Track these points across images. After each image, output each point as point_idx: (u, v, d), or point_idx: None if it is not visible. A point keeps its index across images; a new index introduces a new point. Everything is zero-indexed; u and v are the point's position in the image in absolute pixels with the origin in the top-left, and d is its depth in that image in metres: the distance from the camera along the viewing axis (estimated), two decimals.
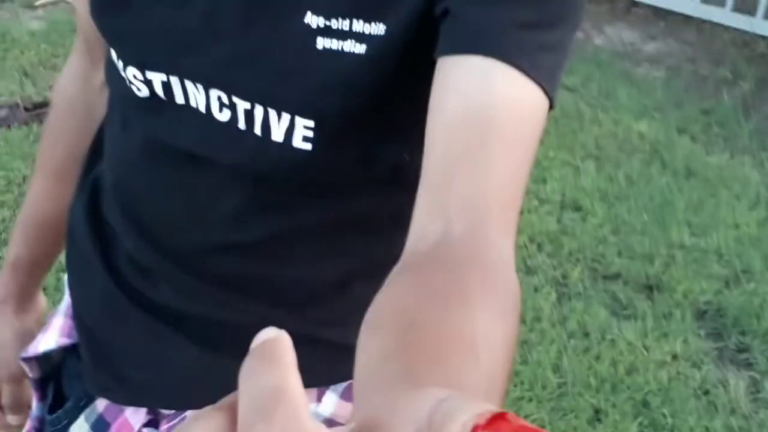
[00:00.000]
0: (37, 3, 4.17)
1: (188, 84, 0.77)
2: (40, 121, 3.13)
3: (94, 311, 0.95)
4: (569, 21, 0.68)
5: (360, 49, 0.70)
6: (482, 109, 0.63)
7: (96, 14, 0.81)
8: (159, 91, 0.78)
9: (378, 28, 0.70)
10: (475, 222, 0.60)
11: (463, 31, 0.65)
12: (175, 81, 0.77)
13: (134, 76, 0.79)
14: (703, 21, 4.26)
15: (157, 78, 0.78)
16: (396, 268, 0.59)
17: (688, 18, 4.30)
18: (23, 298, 1.09)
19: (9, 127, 3.12)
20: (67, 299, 1.02)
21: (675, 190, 3.18)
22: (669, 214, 3.04)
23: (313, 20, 0.71)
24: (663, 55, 4.21)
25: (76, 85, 1.02)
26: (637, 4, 4.43)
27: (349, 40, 0.70)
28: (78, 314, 0.98)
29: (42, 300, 1.11)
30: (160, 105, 0.79)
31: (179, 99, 0.78)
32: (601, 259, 2.80)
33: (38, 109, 3.17)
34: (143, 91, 0.79)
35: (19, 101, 3.19)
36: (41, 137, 1.06)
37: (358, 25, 0.70)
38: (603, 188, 3.16)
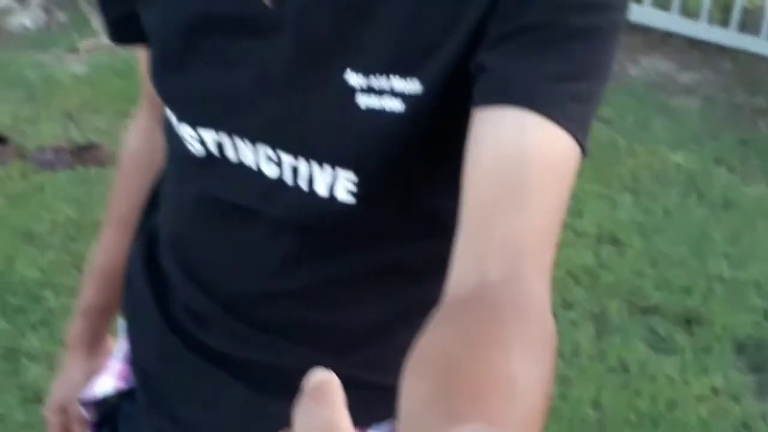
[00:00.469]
0: (80, 47, 4.27)
1: (237, 140, 0.82)
2: (85, 164, 3.20)
3: (149, 355, 1.01)
4: (598, 72, 0.71)
5: (398, 107, 0.75)
6: (516, 158, 0.66)
7: (153, 76, 0.87)
8: (212, 148, 0.84)
9: (414, 85, 0.74)
10: (511, 267, 0.63)
11: (496, 83, 0.69)
12: (225, 138, 0.83)
13: (189, 134, 0.84)
14: (739, 51, 4.25)
15: (208, 135, 0.83)
16: (436, 313, 0.61)
17: (723, 48, 4.29)
18: (93, 342, 1.16)
19: (54, 170, 3.20)
20: (123, 344, 1.07)
21: (713, 222, 3.17)
22: (707, 245, 3.03)
23: (353, 78, 0.75)
24: (699, 86, 4.20)
25: (140, 140, 1.09)
26: (671, 35, 4.43)
27: (387, 98, 0.75)
28: (134, 358, 1.04)
29: (110, 343, 1.16)
30: (214, 162, 0.85)
31: (231, 157, 0.84)
32: (639, 292, 2.79)
33: (82, 152, 3.24)
34: (198, 149, 0.85)
35: (64, 145, 3.27)
36: (112, 190, 1.12)
37: (396, 82, 0.74)
38: (640, 220, 3.16)
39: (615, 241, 3.04)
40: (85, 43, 4.27)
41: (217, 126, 0.82)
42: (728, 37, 4.26)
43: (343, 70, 0.75)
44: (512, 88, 0.68)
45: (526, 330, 0.58)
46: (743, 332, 2.66)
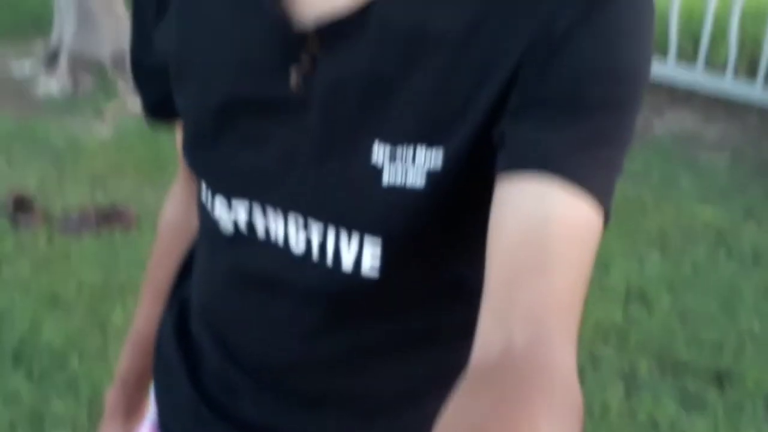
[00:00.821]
0: (105, 112, 4.34)
1: (269, 210, 0.84)
2: (110, 228, 3.23)
3: (179, 421, 1.02)
4: (620, 139, 0.71)
5: (420, 183, 0.76)
6: (540, 224, 0.66)
7: (186, 151, 0.89)
8: (242, 227, 0.86)
9: (437, 158, 0.75)
10: (537, 334, 0.63)
11: (519, 150, 0.70)
12: (257, 209, 0.84)
13: (221, 214, 0.86)
14: (765, 106, 4.23)
15: (241, 208, 0.85)
16: (462, 381, 0.61)
17: (749, 103, 4.28)
18: (132, 408, 1.17)
19: (80, 234, 3.22)
20: (153, 409, 1.09)
21: (742, 277, 3.13)
22: (737, 301, 2.99)
23: (380, 149, 0.76)
24: (725, 141, 4.19)
25: (177, 211, 1.11)
26: (696, 91, 4.44)
27: (410, 174, 0.76)
28: (164, 424, 1.05)
29: (149, 407, 1.17)
30: (244, 241, 0.87)
31: (261, 234, 0.85)
32: (669, 349, 2.75)
33: (108, 216, 3.27)
34: (229, 229, 0.87)
35: (90, 209, 3.29)
36: (150, 259, 1.15)
37: (420, 153, 0.75)
38: (668, 277, 3.12)
39: (643, 297, 3.01)
40: (110, 109, 4.34)
41: (249, 196, 0.84)
42: (754, 92, 4.25)
43: (370, 142, 0.77)
44: (534, 154, 0.68)
45: (552, 398, 0.58)
46: None
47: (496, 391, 0.58)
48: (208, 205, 0.88)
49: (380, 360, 0.91)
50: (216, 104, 0.83)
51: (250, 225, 0.86)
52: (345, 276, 0.82)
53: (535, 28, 0.70)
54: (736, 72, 4.30)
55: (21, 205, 3.32)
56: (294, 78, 0.78)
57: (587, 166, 0.68)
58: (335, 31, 0.76)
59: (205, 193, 0.88)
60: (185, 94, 0.87)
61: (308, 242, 0.83)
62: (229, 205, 0.85)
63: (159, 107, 0.96)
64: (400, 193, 0.76)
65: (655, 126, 4.30)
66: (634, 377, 2.64)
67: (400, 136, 0.76)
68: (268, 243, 0.85)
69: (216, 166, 0.86)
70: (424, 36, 0.74)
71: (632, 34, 0.72)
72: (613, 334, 2.81)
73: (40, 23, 5.41)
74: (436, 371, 0.91)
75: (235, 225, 0.87)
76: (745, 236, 3.39)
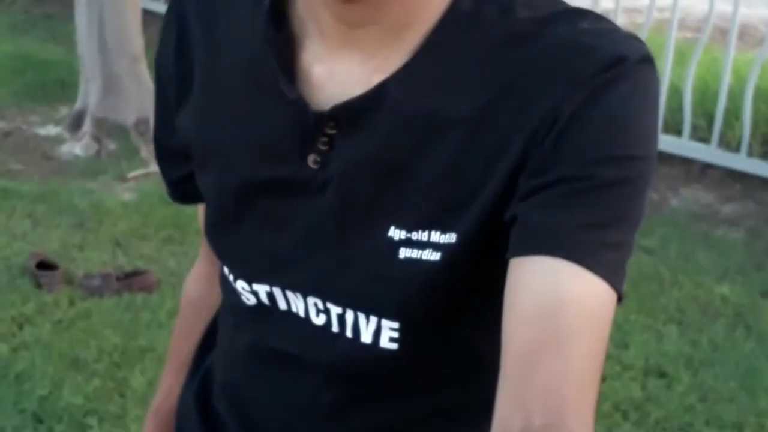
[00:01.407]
0: (129, 175, 4.38)
1: (289, 293, 0.85)
2: (132, 291, 3.24)
3: None
4: (628, 221, 0.73)
5: (435, 256, 0.77)
6: (553, 305, 0.69)
7: (210, 235, 0.91)
8: (264, 299, 0.87)
9: (450, 237, 0.77)
10: (554, 413, 0.65)
11: (530, 233, 0.72)
12: (277, 291, 0.86)
13: (243, 288, 0.87)
14: None
15: (262, 289, 0.86)
16: None
17: (764, 179, 4.31)
18: None
19: (101, 296, 3.24)
20: None
21: (762, 356, 3.12)
22: (757, 380, 2.97)
23: (395, 233, 0.78)
24: (741, 217, 4.20)
25: (200, 286, 1.12)
26: (711, 166, 4.47)
27: (427, 249, 0.77)
28: None
29: None
30: (266, 312, 0.88)
31: (282, 306, 0.87)
32: (689, 428, 2.73)
33: (129, 279, 3.28)
34: (251, 300, 0.88)
35: (112, 271, 3.31)
36: (173, 335, 1.16)
37: (435, 236, 0.77)
38: (687, 353, 3.11)
39: (662, 374, 2.99)
40: (133, 172, 4.38)
41: (269, 281, 0.86)
42: None
43: (386, 227, 0.79)
44: (546, 238, 0.71)
45: None
46: None
47: None
48: (231, 281, 0.90)
49: None
50: (236, 186, 0.85)
51: (272, 302, 0.87)
52: (364, 347, 0.82)
53: (543, 112, 0.73)
54: (750, 150, 4.33)
55: (44, 267, 3.34)
56: (311, 159, 0.80)
57: (599, 250, 0.70)
58: (350, 113, 0.78)
59: (228, 275, 0.90)
60: (207, 176, 0.89)
61: (328, 318, 0.84)
62: (250, 288, 0.87)
63: (182, 188, 0.97)
64: (416, 265, 0.77)
65: (671, 201, 4.33)
66: None
67: (414, 223, 0.78)
68: (288, 315, 0.86)
69: (236, 251, 0.88)
70: (436, 121, 0.76)
71: (637, 114, 0.74)
72: (632, 410, 2.79)
73: (66, 88, 5.49)
74: None
75: (258, 300, 0.88)
76: (764, 314, 3.38)
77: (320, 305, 0.84)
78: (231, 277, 0.89)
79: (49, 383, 2.75)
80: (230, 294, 0.92)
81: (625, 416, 2.77)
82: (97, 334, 3.02)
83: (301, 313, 0.85)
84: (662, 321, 3.30)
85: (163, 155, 0.97)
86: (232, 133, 0.85)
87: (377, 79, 0.77)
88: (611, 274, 0.70)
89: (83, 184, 4.27)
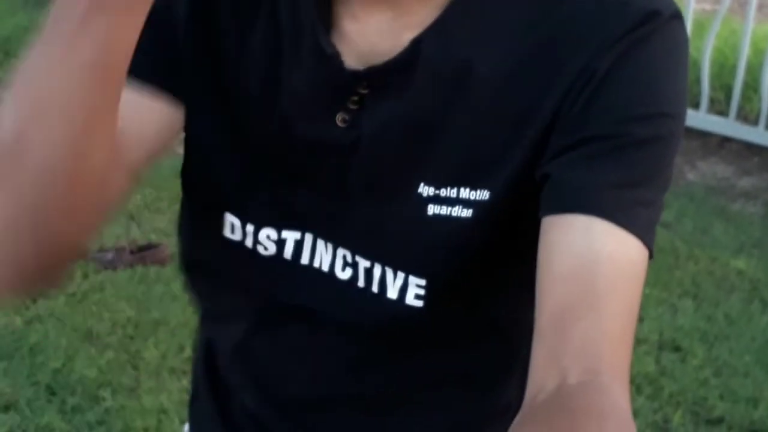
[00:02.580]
0: None
1: (319, 243, 0.84)
2: (145, 264, 3.25)
3: None
4: (659, 180, 0.74)
5: (467, 213, 0.77)
6: (588, 263, 0.68)
7: (226, 186, 0.86)
8: (289, 250, 0.85)
9: (483, 194, 0.77)
10: (590, 371, 0.65)
11: (564, 192, 0.72)
12: (308, 240, 0.84)
13: (267, 236, 0.85)
14: None
15: (291, 237, 0.84)
16: (517, 419, 0.63)
17: None
18: None
19: (115, 269, 3.25)
20: None
21: None
22: None
23: (425, 190, 0.78)
24: (759, 191, 4.17)
25: None
26: (729, 140, 4.43)
27: (457, 206, 0.78)
28: None
29: None
30: (283, 265, 0.85)
31: (304, 260, 0.85)
32: (703, 402, 2.72)
33: (143, 252, 3.29)
34: (269, 250, 0.85)
35: (125, 244, 3.32)
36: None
37: (465, 192, 0.77)
38: (702, 328, 3.10)
39: (677, 348, 2.98)
40: None
41: (302, 228, 0.84)
42: None
43: (416, 184, 0.78)
44: (580, 196, 0.71)
45: None
46: None
47: (550, 428, 0.60)
48: (246, 230, 0.86)
49: (419, 399, 0.91)
50: (263, 138, 0.83)
51: (296, 254, 0.85)
52: (390, 303, 0.82)
53: (577, 70, 0.73)
54: None
55: None
56: (340, 118, 0.80)
57: (631, 207, 0.71)
58: (384, 72, 0.77)
59: (240, 226, 0.86)
60: (221, 122, 0.85)
61: (355, 271, 0.83)
62: (278, 236, 0.85)
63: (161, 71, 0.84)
64: (445, 222, 0.78)
65: (688, 175, 4.29)
66: (667, 430, 2.62)
67: (444, 180, 0.77)
68: (309, 269, 0.85)
69: (265, 199, 0.85)
70: (468, 78, 0.76)
71: (669, 72, 0.74)
72: (646, 384, 2.79)
73: None
74: (474, 414, 0.93)
75: (277, 252, 0.85)
76: None
77: (349, 258, 0.83)
78: (251, 227, 0.85)
79: (63, 356, 2.77)
80: (236, 248, 0.88)
81: (639, 390, 2.76)
82: (110, 306, 3.04)
83: (325, 268, 0.84)
84: (677, 295, 3.29)
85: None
86: (262, 87, 0.82)
87: (407, 35, 0.76)
88: (644, 231, 0.71)
89: None
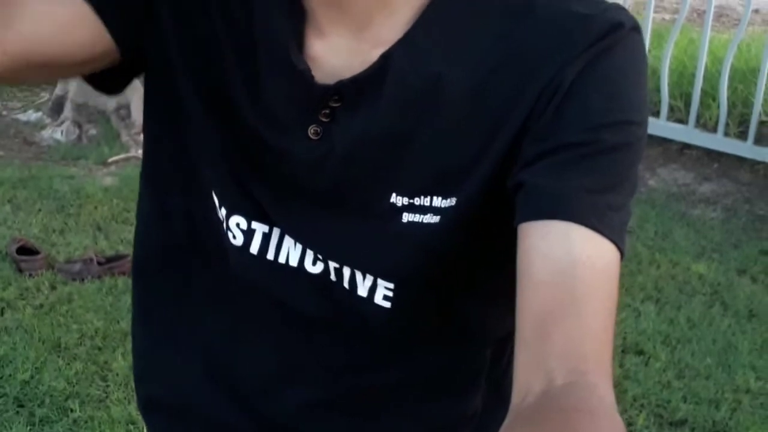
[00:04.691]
0: (109, 160, 4.38)
1: (287, 239, 0.85)
2: (113, 275, 3.25)
3: None
4: (627, 184, 0.77)
5: (435, 219, 0.79)
6: (567, 268, 0.71)
7: (206, 164, 0.88)
8: (256, 242, 0.86)
9: (451, 202, 0.79)
10: (575, 372, 0.67)
11: (540, 199, 0.74)
12: (275, 235, 0.86)
13: (237, 224, 0.86)
14: (757, 162, 4.30)
15: (260, 229, 0.86)
16: (507, 423, 0.65)
17: (741, 159, 4.34)
18: None
19: (83, 281, 3.24)
20: None
21: (738, 333, 3.16)
22: (733, 357, 3.02)
23: (398, 200, 0.80)
24: (718, 196, 4.24)
25: None
26: (689, 147, 4.50)
27: (429, 214, 0.80)
28: None
29: None
30: (251, 258, 0.87)
31: (270, 255, 0.86)
32: (667, 404, 2.77)
33: (111, 263, 3.29)
34: (237, 240, 0.87)
35: (93, 255, 3.32)
36: None
37: (437, 201, 0.79)
38: (664, 331, 3.15)
39: (640, 352, 3.03)
40: (114, 157, 4.38)
41: (270, 223, 0.86)
42: (745, 149, 4.32)
43: (388, 195, 0.80)
44: (556, 203, 0.73)
45: (597, 428, 0.61)
46: None
47: (542, 428, 0.61)
48: (219, 213, 0.87)
49: (389, 406, 0.93)
50: (237, 138, 0.84)
51: (263, 248, 0.86)
52: (359, 300, 0.84)
53: (545, 80, 0.75)
54: (727, 130, 4.37)
55: (25, 252, 3.34)
56: (311, 131, 0.81)
57: (605, 212, 0.73)
58: (354, 86, 0.79)
59: (218, 202, 0.87)
60: (205, 118, 0.86)
61: (326, 267, 0.85)
62: (248, 226, 0.86)
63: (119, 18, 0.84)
64: (416, 228, 0.79)
65: (649, 182, 4.36)
66: None
67: (416, 190, 0.79)
68: (275, 264, 0.86)
69: (237, 189, 0.86)
70: (439, 90, 0.78)
71: (632, 81, 0.77)
72: None
73: None
74: (442, 421, 0.94)
75: (244, 243, 0.86)
76: (740, 292, 3.43)
77: (320, 260, 0.85)
78: (223, 211, 0.87)
79: (31, 367, 2.76)
80: (207, 228, 0.89)
81: None
82: (78, 318, 3.03)
83: (294, 263, 0.86)
84: (640, 299, 3.34)
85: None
86: (239, 91, 0.84)
87: (375, 51, 0.78)
88: (617, 235, 0.73)
89: (64, 169, 4.26)
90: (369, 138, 0.80)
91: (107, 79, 0.89)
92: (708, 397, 2.80)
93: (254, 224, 0.86)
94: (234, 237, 0.87)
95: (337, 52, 0.81)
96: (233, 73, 0.84)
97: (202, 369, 0.97)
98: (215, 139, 0.86)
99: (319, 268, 0.85)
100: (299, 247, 0.85)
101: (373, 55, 0.78)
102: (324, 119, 0.81)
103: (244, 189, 0.86)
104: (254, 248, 0.86)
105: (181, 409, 1.00)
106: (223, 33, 0.84)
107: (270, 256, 0.86)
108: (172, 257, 0.95)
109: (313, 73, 0.80)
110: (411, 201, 0.80)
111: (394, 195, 0.80)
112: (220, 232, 0.88)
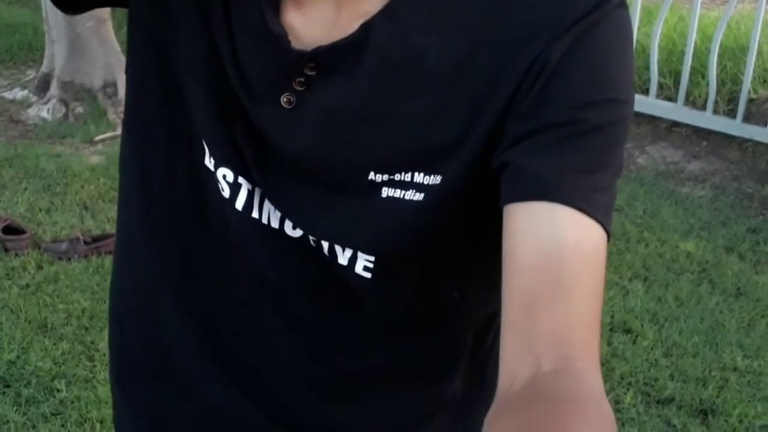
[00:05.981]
0: (96, 138, 4.35)
1: (267, 204, 0.83)
2: (99, 254, 3.23)
3: None
4: (614, 164, 0.75)
5: (418, 197, 0.77)
6: (553, 250, 0.69)
7: (196, 113, 0.85)
8: (241, 199, 0.84)
9: (435, 179, 0.77)
10: (562, 357, 0.66)
11: (525, 180, 0.72)
12: (257, 195, 0.83)
13: (223, 176, 0.84)
14: (746, 140, 4.30)
15: (245, 186, 0.84)
16: (493, 410, 0.64)
17: (729, 137, 4.35)
18: None
19: (69, 260, 3.23)
20: None
21: (726, 311, 3.17)
22: (720, 335, 3.03)
23: (377, 177, 0.78)
24: (707, 174, 4.25)
25: None
26: (678, 124, 4.50)
27: (410, 190, 0.78)
28: None
29: None
30: (236, 214, 0.85)
31: (254, 213, 0.84)
32: (654, 383, 2.78)
33: (97, 242, 3.28)
34: (225, 192, 0.85)
35: (79, 235, 3.30)
36: None
37: (419, 177, 0.77)
38: (652, 309, 3.16)
39: (627, 330, 3.04)
40: (101, 135, 4.35)
41: (252, 182, 0.83)
42: (734, 127, 4.32)
43: (367, 170, 0.78)
44: (541, 183, 0.72)
45: (584, 417, 0.60)
46: (759, 423, 2.63)
47: (529, 416, 0.60)
48: (211, 170, 0.85)
49: (368, 388, 0.92)
50: (218, 100, 0.82)
51: (247, 206, 0.84)
52: (340, 267, 0.82)
53: (530, 58, 0.73)
54: (716, 107, 4.37)
55: (11, 231, 3.32)
56: (285, 99, 0.79)
57: (591, 193, 0.72)
58: (333, 55, 0.77)
59: (209, 153, 0.85)
60: (186, 75, 0.84)
61: (305, 234, 0.83)
62: (234, 179, 0.84)
63: None
64: (397, 203, 0.78)
65: (638, 160, 4.36)
66: (618, 410, 2.67)
67: (396, 165, 0.78)
68: (258, 223, 0.84)
69: (223, 140, 0.84)
70: (421, 64, 0.76)
71: (618, 59, 0.75)
72: None
73: (32, 51, 5.44)
74: (422, 405, 0.93)
75: (233, 196, 0.84)
76: (728, 270, 3.43)
77: (299, 229, 0.83)
78: (211, 162, 0.85)
79: (17, 347, 2.76)
80: (191, 181, 0.87)
81: None
82: (65, 297, 3.02)
83: (275, 225, 0.84)
84: (628, 277, 3.35)
85: None
86: (215, 57, 0.82)
87: (356, 22, 0.76)
88: (603, 216, 0.72)
89: (50, 148, 4.24)
90: (345, 109, 0.78)
91: None
92: (695, 376, 2.81)
93: (240, 179, 0.84)
94: (222, 189, 0.85)
95: (316, 23, 0.79)
96: (219, 28, 0.82)
97: (179, 332, 0.94)
98: (203, 90, 0.83)
99: (299, 232, 0.83)
100: (278, 214, 0.84)
101: (354, 26, 0.76)
102: (298, 87, 0.79)
103: (232, 142, 0.83)
104: (239, 203, 0.84)
105: (154, 373, 0.98)
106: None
107: (254, 214, 0.84)
108: (151, 211, 0.92)
109: (290, 39, 0.78)
110: (391, 177, 0.78)
111: (372, 171, 0.78)
112: (205, 184, 0.86)
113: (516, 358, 0.67)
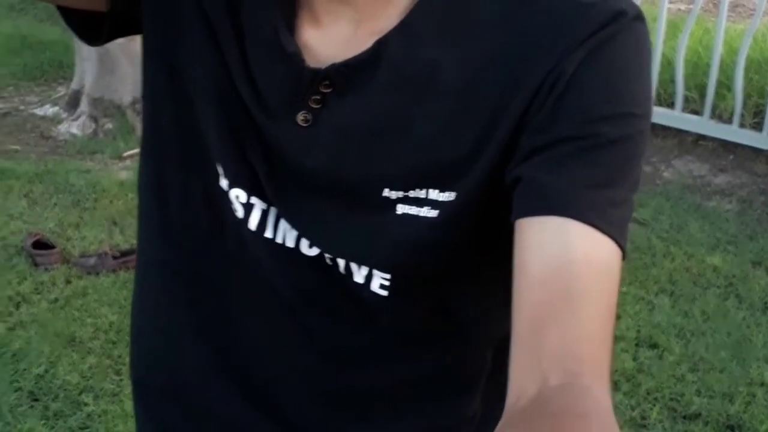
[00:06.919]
0: (125, 154, 4.40)
1: (282, 223, 0.83)
2: (127, 269, 3.27)
3: None
4: (629, 179, 0.74)
5: (433, 213, 0.77)
6: (564, 266, 0.69)
7: (218, 140, 0.86)
8: (254, 220, 0.84)
9: (450, 196, 0.77)
10: (570, 373, 0.65)
11: (536, 194, 0.72)
12: (272, 215, 0.84)
13: (237, 197, 0.85)
14: None
15: (258, 205, 0.84)
16: (500, 425, 0.63)
17: (756, 150, 4.32)
18: None
19: (97, 274, 3.26)
20: None
21: (753, 325, 3.15)
22: (747, 350, 3.00)
23: (391, 194, 0.78)
24: (734, 188, 4.22)
25: None
26: (704, 138, 4.47)
27: (425, 207, 0.78)
28: None
29: None
30: (249, 234, 0.85)
31: (268, 233, 0.85)
32: (680, 398, 2.76)
33: (125, 257, 3.31)
34: (239, 213, 0.85)
35: (108, 250, 3.34)
36: None
37: (434, 194, 0.77)
38: (679, 324, 3.14)
39: (654, 345, 3.02)
40: (129, 151, 4.40)
41: (268, 202, 0.84)
42: (760, 140, 4.29)
43: (380, 188, 0.79)
44: (553, 198, 0.71)
45: None
46: None
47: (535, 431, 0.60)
48: (224, 191, 0.85)
49: (389, 403, 0.92)
50: (230, 119, 0.83)
51: (262, 223, 0.84)
52: (356, 285, 0.82)
53: (544, 72, 0.73)
54: (742, 120, 4.34)
55: (40, 246, 3.37)
56: (301, 117, 0.80)
57: (604, 208, 0.71)
58: (347, 72, 0.77)
59: (223, 172, 0.85)
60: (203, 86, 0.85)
61: (321, 252, 0.83)
62: (247, 200, 0.84)
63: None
64: (413, 221, 0.78)
65: (664, 173, 4.34)
66: (644, 426, 2.65)
67: (411, 182, 0.77)
68: (271, 243, 0.84)
69: (238, 161, 0.84)
70: (434, 78, 0.76)
71: (635, 72, 0.75)
72: (623, 381, 2.82)
73: (63, 68, 5.51)
74: (443, 422, 0.93)
75: (246, 216, 0.85)
76: (755, 284, 3.41)
77: (314, 248, 0.83)
78: (225, 183, 0.85)
79: (45, 361, 2.79)
80: (206, 203, 0.87)
81: (617, 387, 2.80)
82: (93, 312, 3.05)
83: (290, 244, 0.84)
84: (654, 292, 3.33)
85: None
86: (225, 74, 0.83)
87: (371, 39, 0.76)
88: (617, 231, 0.71)
89: (80, 164, 4.29)
90: (360, 126, 0.78)
91: (91, 26, 0.88)
92: (722, 391, 2.79)
93: (253, 199, 0.84)
94: (235, 210, 0.85)
95: (332, 40, 0.79)
96: (231, 48, 0.82)
97: (195, 351, 0.95)
98: (213, 108, 0.84)
99: (315, 251, 0.83)
100: (294, 233, 0.84)
101: (369, 42, 0.77)
102: (314, 105, 0.79)
103: (245, 160, 0.83)
104: (252, 224, 0.84)
105: (172, 390, 0.99)
106: (222, 6, 0.83)
107: (268, 234, 0.84)
108: (169, 235, 0.93)
109: (304, 57, 0.79)
110: (405, 193, 0.78)
111: (387, 188, 0.78)
112: (220, 205, 0.86)
113: (523, 373, 0.67)
